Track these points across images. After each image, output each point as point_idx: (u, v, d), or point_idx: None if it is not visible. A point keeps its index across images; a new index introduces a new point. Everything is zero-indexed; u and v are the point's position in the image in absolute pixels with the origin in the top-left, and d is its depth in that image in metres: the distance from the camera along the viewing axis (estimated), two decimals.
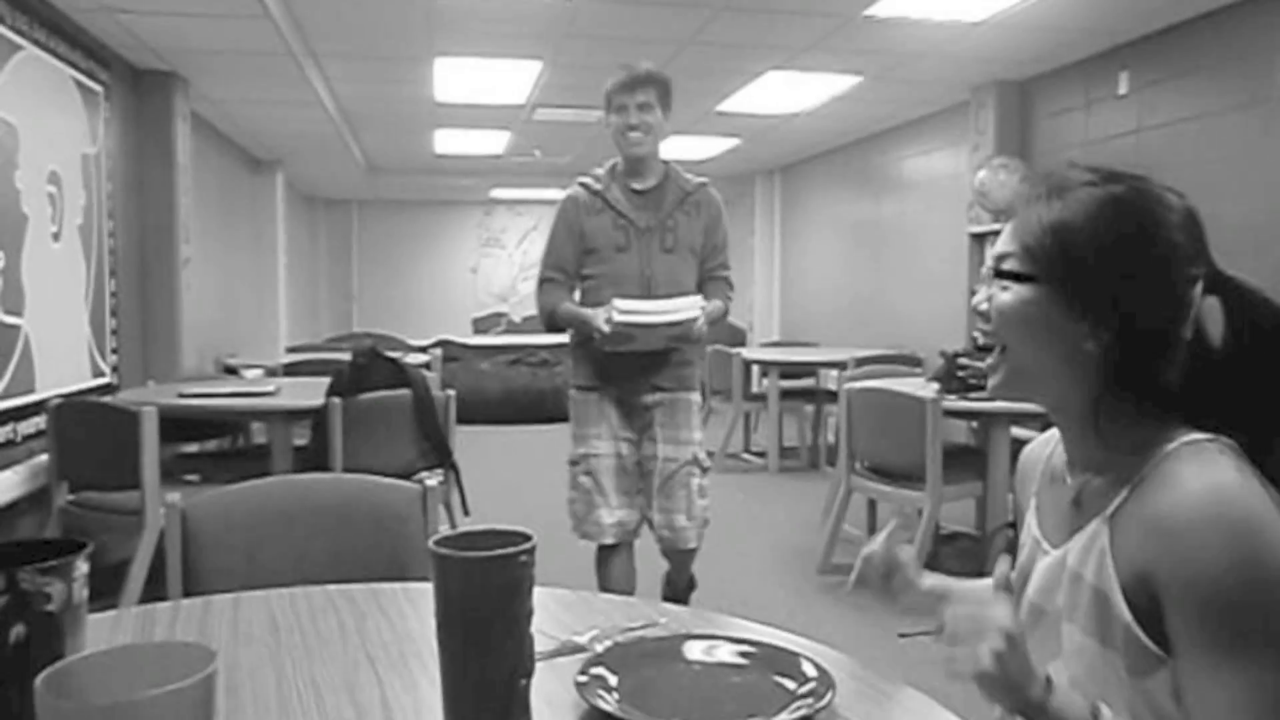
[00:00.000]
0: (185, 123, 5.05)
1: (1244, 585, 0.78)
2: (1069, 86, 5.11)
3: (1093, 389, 0.91)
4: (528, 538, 0.75)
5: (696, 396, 2.82)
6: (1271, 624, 0.78)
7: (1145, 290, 0.89)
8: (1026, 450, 1.13)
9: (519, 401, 8.34)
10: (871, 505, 4.07)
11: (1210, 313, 0.91)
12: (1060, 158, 5.04)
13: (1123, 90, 4.69)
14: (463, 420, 3.92)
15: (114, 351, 4.36)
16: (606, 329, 2.56)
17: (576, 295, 2.80)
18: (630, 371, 2.72)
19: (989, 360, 0.98)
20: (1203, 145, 4.25)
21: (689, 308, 2.59)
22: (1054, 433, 1.08)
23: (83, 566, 0.76)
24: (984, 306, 0.97)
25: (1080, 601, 0.90)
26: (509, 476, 5.96)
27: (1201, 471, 0.83)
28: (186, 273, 5.01)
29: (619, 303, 2.57)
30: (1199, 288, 0.91)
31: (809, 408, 6.43)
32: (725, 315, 2.79)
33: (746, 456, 6.57)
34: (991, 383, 0.99)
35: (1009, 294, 0.94)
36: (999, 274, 0.95)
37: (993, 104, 5.48)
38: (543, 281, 2.79)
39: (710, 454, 2.95)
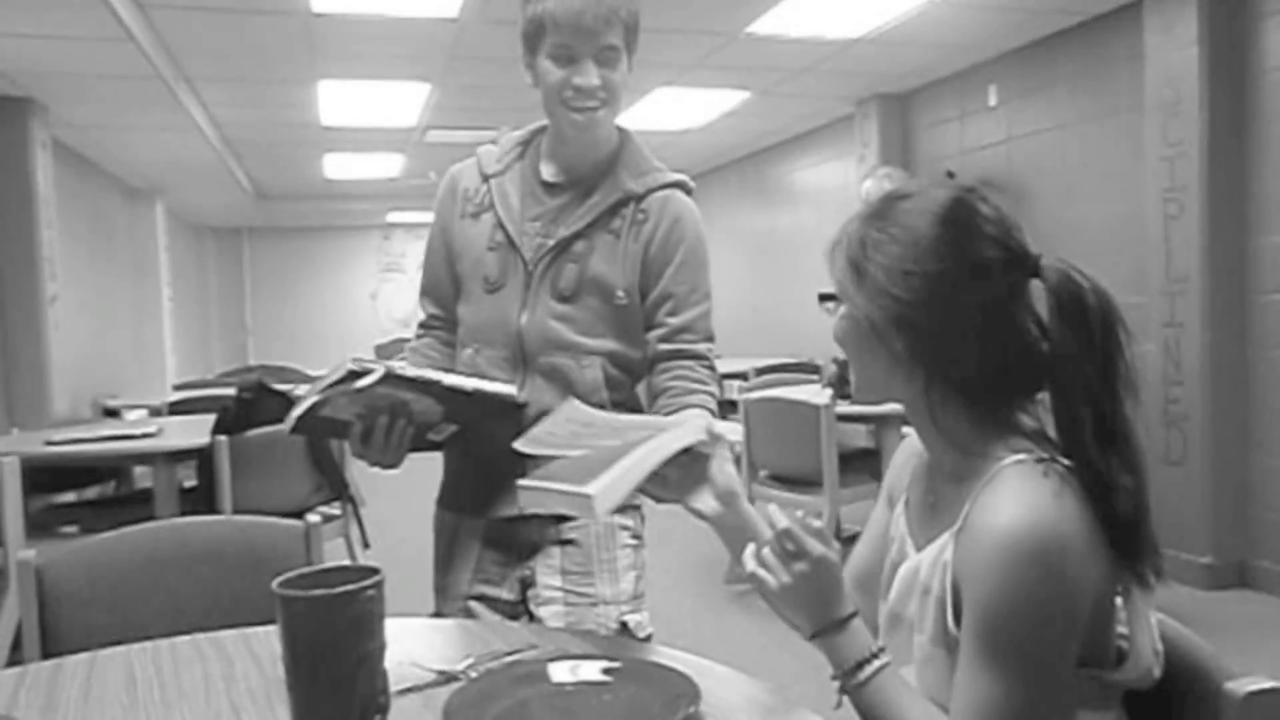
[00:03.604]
0: (45, 151, 4.80)
1: (1013, 611, 0.85)
2: (945, 99, 5.32)
3: (919, 386, 0.97)
4: (375, 572, 0.73)
5: (628, 519, 1.57)
6: (1025, 645, 0.85)
7: (918, 294, 0.92)
8: (903, 444, 1.17)
9: None
10: None
11: (1036, 294, 0.94)
12: (939, 167, 5.25)
13: (993, 102, 4.92)
14: None
15: None
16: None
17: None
18: (496, 471, 1.45)
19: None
20: (1066, 153, 4.49)
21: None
22: None
23: None
24: None
25: (927, 613, 0.95)
26: (414, 505, 5.82)
27: (1018, 498, 0.87)
28: (54, 311, 4.75)
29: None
30: (999, 276, 0.93)
31: None
32: None
33: None
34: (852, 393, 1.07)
35: (836, 314, 1.02)
36: (820, 296, 1.03)
37: (875, 116, 5.67)
38: (420, 326, 1.68)
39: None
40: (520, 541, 1.52)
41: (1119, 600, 0.91)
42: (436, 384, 1.25)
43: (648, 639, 1.49)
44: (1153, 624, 0.93)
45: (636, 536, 1.57)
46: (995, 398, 0.96)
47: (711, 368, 1.53)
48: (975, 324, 0.93)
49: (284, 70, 4.68)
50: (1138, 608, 0.91)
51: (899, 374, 0.97)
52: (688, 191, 1.59)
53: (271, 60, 4.50)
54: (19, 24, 3.62)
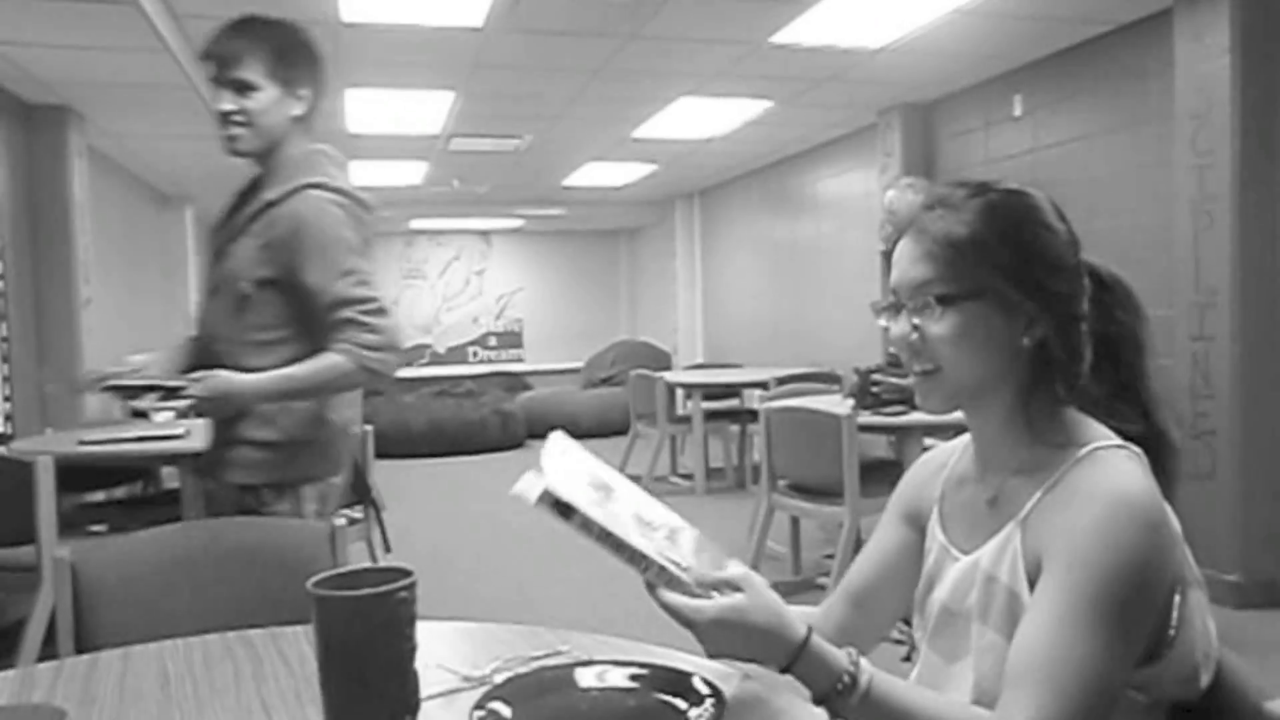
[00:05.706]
0: (82, 158, 4.89)
1: (1121, 571, 0.83)
2: (969, 109, 5.30)
3: (1023, 382, 0.97)
4: (407, 574, 0.75)
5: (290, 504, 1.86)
6: (1127, 606, 0.83)
7: (1062, 272, 0.96)
8: (920, 460, 1.15)
9: (445, 433, 8.24)
10: (795, 522, 4.12)
11: None
12: (963, 177, 5.23)
13: (1017, 112, 4.90)
14: (388, 454, 3.85)
15: (6, 399, 4.17)
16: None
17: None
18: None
19: (917, 380, 0.98)
20: (1092, 163, 4.46)
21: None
22: (955, 443, 1.10)
23: None
24: (914, 338, 0.96)
25: (993, 602, 0.93)
26: (435, 509, 5.86)
27: (1118, 472, 0.88)
28: (87, 314, 4.83)
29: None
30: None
31: (734, 428, 6.49)
32: (354, 375, 1.73)
33: (674, 480, 6.59)
34: (930, 404, 0.99)
35: (945, 318, 0.94)
36: (939, 300, 0.94)
37: (899, 126, 5.65)
38: None
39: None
40: None
41: (1175, 598, 0.90)
42: (129, 386, 1.82)
43: None
44: (1210, 629, 0.92)
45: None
46: (1093, 379, 0.98)
47: (358, 323, 1.72)
48: (1082, 309, 0.98)
49: None
50: (1191, 606, 0.91)
51: (1008, 371, 0.96)
52: (318, 188, 1.76)
53: None
54: (59, 35, 3.70)
